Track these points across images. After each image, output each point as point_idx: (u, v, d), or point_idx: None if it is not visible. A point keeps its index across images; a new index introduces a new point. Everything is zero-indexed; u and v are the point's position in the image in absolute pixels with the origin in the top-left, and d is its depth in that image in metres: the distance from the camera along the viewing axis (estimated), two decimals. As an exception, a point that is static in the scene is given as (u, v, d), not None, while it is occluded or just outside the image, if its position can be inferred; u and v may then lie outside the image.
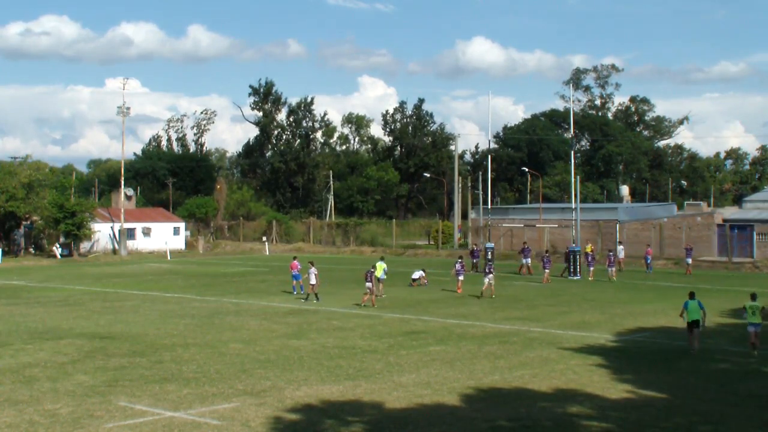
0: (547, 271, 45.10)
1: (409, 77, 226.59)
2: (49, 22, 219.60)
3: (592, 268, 48.22)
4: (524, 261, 51.32)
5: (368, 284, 33.48)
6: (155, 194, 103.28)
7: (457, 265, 40.10)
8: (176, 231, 78.02)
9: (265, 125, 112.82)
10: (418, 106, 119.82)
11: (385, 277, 36.76)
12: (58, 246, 66.35)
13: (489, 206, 66.05)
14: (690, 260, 51.84)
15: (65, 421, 15.30)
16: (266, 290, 39.52)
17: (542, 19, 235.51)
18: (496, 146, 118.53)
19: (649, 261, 53.22)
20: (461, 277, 39.48)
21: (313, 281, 34.55)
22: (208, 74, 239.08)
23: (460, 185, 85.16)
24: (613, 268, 47.81)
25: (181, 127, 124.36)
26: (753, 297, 23.56)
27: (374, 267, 35.57)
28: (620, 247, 54.72)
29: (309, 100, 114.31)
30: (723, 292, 39.88)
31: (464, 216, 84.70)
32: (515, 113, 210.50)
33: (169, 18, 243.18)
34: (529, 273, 50.32)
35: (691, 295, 23.65)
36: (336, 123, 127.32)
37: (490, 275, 37.19)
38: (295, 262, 38.40)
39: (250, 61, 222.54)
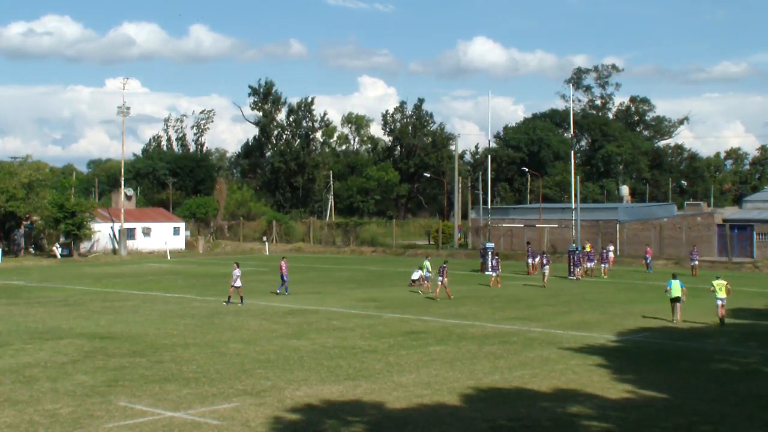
0: (578, 269, 47.44)
1: (410, 77, 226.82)
2: (50, 22, 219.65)
3: (591, 265, 48.72)
4: (529, 261, 51.65)
5: (440, 278, 35.99)
6: (155, 194, 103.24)
7: (493, 261, 43.66)
8: (176, 231, 78.01)
9: (265, 125, 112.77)
10: (418, 106, 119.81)
11: (430, 275, 39.24)
12: (58, 246, 66.35)
13: (489, 206, 66.08)
14: (696, 262, 51.54)
15: (65, 421, 15.30)
16: (266, 290, 39.49)
17: (543, 19, 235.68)
18: (496, 146, 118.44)
19: (649, 261, 53.26)
20: (496, 273, 42.69)
21: (237, 283, 33.50)
22: (209, 74, 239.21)
23: (460, 185, 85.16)
24: (605, 266, 48.55)
25: (181, 127, 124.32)
26: (717, 278, 29.88)
27: (445, 263, 37.50)
28: (610, 247, 54.90)
29: (309, 100, 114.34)
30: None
31: (464, 216, 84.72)
32: (515, 113, 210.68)
33: (171, 18, 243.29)
34: (529, 273, 50.59)
35: (674, 276, 30.15)
36: (336, 123, 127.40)
37: (547, 266, 43.34)
38: (282, 262, 37.98)
39: (251, 61, 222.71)
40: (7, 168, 70.12)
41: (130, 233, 73.45)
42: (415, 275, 42.81)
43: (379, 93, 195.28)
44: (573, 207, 56.06)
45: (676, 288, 28.99)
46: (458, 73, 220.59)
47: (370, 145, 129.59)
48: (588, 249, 52.11)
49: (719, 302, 28.37)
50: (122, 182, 77.30)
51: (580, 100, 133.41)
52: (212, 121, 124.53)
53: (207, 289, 41.10)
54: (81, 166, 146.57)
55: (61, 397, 17.17)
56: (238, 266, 34.10)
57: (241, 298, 33.75)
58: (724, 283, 28.75)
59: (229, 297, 33.70)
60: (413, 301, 35.34)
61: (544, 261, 44.03)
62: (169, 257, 67.34)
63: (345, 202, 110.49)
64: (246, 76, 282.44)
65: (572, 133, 70.71)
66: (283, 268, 37.47)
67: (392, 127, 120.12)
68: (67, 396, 17.30)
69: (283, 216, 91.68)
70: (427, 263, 39.98)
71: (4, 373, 19.70)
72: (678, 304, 29.05)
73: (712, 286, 28.80)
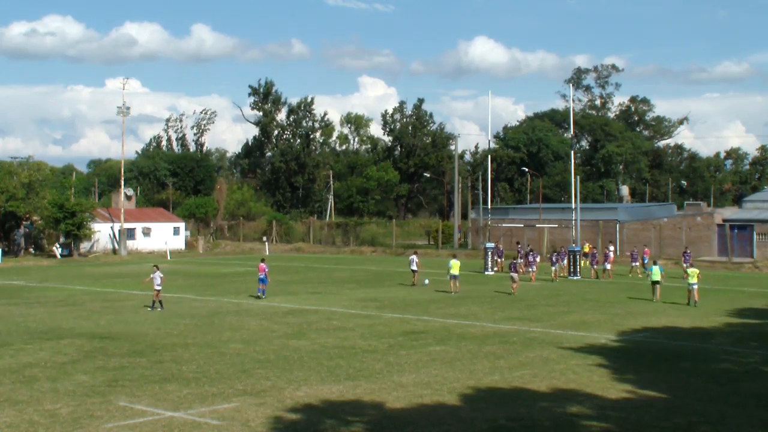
0: (594, 267, 48.80)
1: (412, 77, 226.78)
2: (53, 22, 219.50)
3: (609, 267, 48.54)
4: (519, 261, 51.97)
5: (513, 274, 38.19)
6: (155, 194, 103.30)
7: (530, 258, 45.79)
8: (176, 231, 78.02)
9: (265, 125, 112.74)
10: (417, 106, 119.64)
11: (458, 275, 38.59)
12: (58, 246, 66.36)
13: (489, 206, 66.09)
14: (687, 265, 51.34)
15: (65, 421, 15.30)
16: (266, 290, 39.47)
17: (545, 19, 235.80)
18: (496, 146, 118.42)
19: (646, 261, 53.17)
20: (532, 269, 45.42)
21: (157, 287, 31.99)
22: (210, 74, 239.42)
23: (460, 185, 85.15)
24: (609, 266, 48.70)
25: (181, 127, 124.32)
26: (691, 266, 37.95)
27: (515, 259, 40.33)
28: (611, 247, 54.78)
29: (309, 100, 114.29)
30: (723, 292, 39.90)
31: (464, 216, 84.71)
32: (515, 113, 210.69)
33: (174, 18, 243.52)
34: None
35: (655, 262, 37.82)
36: (336, 123, 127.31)
37: (556, 264, 46.56)
38: (262, 264, 36.69)
39: (252, 61, 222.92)
40: (7, 168, 70.17)
41: (130, 233, 73.45)
42: (413, 265, 42.39)
43: (379, 93, 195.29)
44: (573, 207, 56.03)
45: (656, 273, 35.42)
46: (459, 73, 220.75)
47: (369, 145, 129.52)
48: (587, 250, 52.27)
49: (692, 287, 33.59)
50: (122, 182, 77.32)
51: (580, 100, 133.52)
52: (213, 122, 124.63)
53: (207, 289, 41.10)
54: (81, 166, 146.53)
55: (61, 397, 17.17)
56: (158, 269, 32.55)
57: (160, 302, 32.02)
58: (697, 271, 34.40)
59: (154, 302, 32.09)
60: (413, 301, 35.34)
61: (554, 259, 46.63)
62: (169, 257, 67.34)
63: (345, 202, 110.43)
64: (246, 76, 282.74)
65: (572, 133, 70.72)
66: (265, 269, 36.18)
67: (392, 127, 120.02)
68: (67, 396, 17.31)
69: (283, 216, 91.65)
70: (457, 262, 38.63)
71: (4, 373, 19.70)
72: (657, 287, 35.31)
73: (687, 273, 34.93)
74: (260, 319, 29.47)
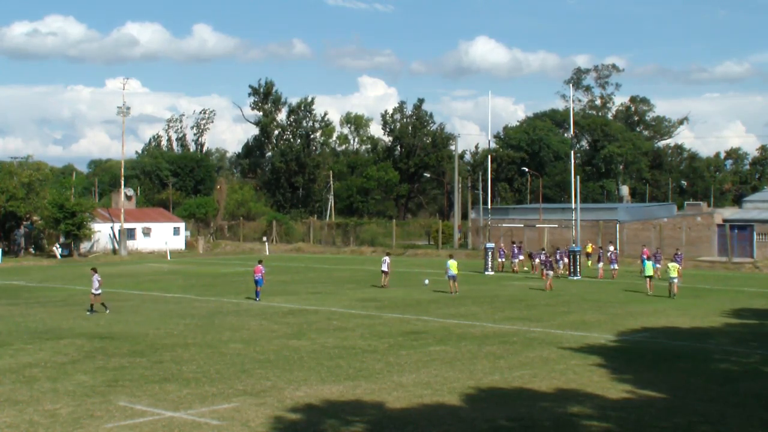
0: (601, 265, 48.70)
1: (412, 77, 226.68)
2: (54, 22, 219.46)
3: (615, 267, 48.22)
4: (513, 260, 52.33)
5: (548, 272, 40.20)
6: (155, 194, 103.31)
7: (541, 257, 46.07)
8: (176, 231, 78.03)
9: (265, 125, 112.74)
10: (417, 106, 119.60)
11: (455, 274, 38.24)
12: (58, 246, 66.37)
13: (489, 206, 66.06)
14: (680, 266, 51.09)
15: (65, 421, 15.30)
16: (266, 290, 39.39)
17: (545, 19, 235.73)
18: (496, 146, 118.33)
19: (644, 261, 52.99)
20: (561, 265, 47.67)
21: (96, 291, 30.97)
22: (210, 74, 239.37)
23: (460, 185, 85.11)
24: (616, 266, 48.36)
25: (181, 127, 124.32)
26: (672, 261, 40.53)
27: (550, 256, 41.99)
28: (611, 248, 54.64)
29: (309, 100, 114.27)
30: (723, 292, 39.89)
31: (464, 216, 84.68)
32: (515, 113, 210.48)
33: (175, 18, 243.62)
34: (514, 272, 51.69)
35: (648, 258, 42.45)
36: (335, 123, 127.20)
37: (560, 262, 48.26)
38: (259, 266, 36.20)
39: (253, 61, 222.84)
40: (7, 168, 70.20)
41: (130, 233, 73.46)
42: (384, 266, 41.64)
43: (379, 93, 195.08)
44: (573, 207, 56.01)
45: (648, 268, 38.64)
46: (460, 73, 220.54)
47: (369, 145, 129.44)
48: (590, 250, 52.29)
49: (673, 281, 36.50)
50: (122, 182, 77.33)
51: (580, 100, 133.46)
52: (212, 122, 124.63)
53: (207, 289, 41.12)
54: (81, 167, 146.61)
55: (61, 397, 17.17)
56: (95, 272, 31.46)
57: (103, 304, 31.07)
58: (677, 266, 38.13)
59: (92, 306, 31.04)
60: (413, 301, 35.33)
61: (557, 257, 48.21)
62: (169, 257, 67.34)
63: (345, 202, 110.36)
64: (247, 76, 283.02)
65: (572, 133, 70.72)
66: (262, 271, 35.65)
67: (392, 127, 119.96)
68: (67, 396, 17.31)
69: (283, 216, 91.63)
70: (454, 262, 38.44)
71: (4, 373, 19.70)
72: (650, 281, 37.98)
73: (668, 268, 37.14)
74: (260, 319, 29.48)
